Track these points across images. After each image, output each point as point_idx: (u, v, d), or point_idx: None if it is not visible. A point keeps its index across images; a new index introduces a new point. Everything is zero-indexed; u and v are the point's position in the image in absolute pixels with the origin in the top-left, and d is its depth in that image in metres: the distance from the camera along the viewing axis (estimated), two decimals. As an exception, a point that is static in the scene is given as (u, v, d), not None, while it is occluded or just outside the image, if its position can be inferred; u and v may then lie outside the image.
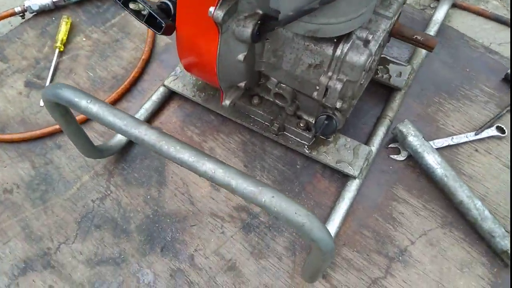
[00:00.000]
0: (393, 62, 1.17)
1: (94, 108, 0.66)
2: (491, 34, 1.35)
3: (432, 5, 1.42)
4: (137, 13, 0.84)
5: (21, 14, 1.28)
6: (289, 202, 0.59)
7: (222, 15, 0.74)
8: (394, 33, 0.92)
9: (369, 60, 0.80)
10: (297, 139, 1.04)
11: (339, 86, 0.83)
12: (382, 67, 1.17)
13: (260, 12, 0.79)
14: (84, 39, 1.26)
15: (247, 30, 0.78)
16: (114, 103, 1.14)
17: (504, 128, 1.10)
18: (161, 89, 1.13)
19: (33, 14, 1.30)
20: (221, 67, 0.85)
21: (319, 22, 0.73)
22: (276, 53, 0.88)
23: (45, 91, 0.71)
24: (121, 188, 1.02)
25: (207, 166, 0.61)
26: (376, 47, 0.81)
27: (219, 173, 0.61)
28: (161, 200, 1.00)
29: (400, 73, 1.16)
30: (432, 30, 1.26)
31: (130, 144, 1.07)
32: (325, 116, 0.92)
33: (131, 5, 0.84)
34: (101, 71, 1.20)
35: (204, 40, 0.82)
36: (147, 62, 1.21)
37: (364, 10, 0.74)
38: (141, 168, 1.05)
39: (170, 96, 1.15)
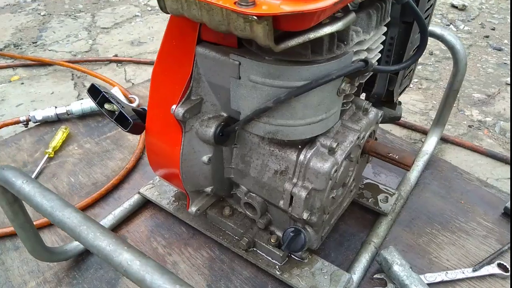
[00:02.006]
0: (379, 187, 1.12)
1: (27, 188, 0.63)
2: (487, 169, 1.31)
3: (423, 140, 1.42)
4: (110, 113, 0.87)
5: (25, 123, 1.36)
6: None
7: (182, 112, 0.75)
8: (368, 150, 0.90)
9: (334, 168, 0.76)
10: (268, 257, 0.94)
11: (303, 193, 0.77)
12: (367, 191, 1.12)
13: (224, 114, 0.80)
14: (76, 148, 1.30)
15: (210, 130, 0.78)
16: (86, 208, 1.10)
17: (507, 266, 0.97)
18: (136, 196, 1.10)
19: (36, 124, 1.38)
20: (185, 167, 0.83)
21: (277, 123, 0.72)
22: (244, 158, 0.86)
23: (-9, 172, 0.69)
24: (65, 299, 0.91)
25: (124, 257, 0.53)
26: (343, 156, 0.78)
27: (135, 265, 0.53)
28: (105, 317, 0.88)
29: (387, 198, 1.10)
30: (421, 160, 1.24)
31: (89, 251, 1.00)
32: (292, 228, 0.84)
33: (106, 106, 0.87)
34: (83, 177, 1.20)
35: (169, 140, 0.82)
36: (130, 172, 1.21)
37: (324, 116, 0.73)
38: (93, 278, 0.95)
39: (145, 204, 1.11)
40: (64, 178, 1.20)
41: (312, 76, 0.66)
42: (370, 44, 0.74)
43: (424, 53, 1.90)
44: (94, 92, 0.88)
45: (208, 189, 0.89)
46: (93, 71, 1.73)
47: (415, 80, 1.75)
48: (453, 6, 2.33)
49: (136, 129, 0.86)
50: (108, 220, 1.04)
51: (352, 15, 0.63)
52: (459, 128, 1.50)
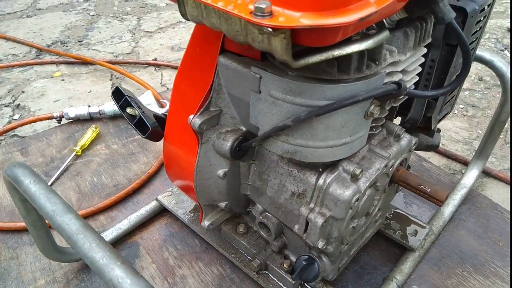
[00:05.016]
0: (409, 220, 1.04)
1: (34, 188, 0.62)
2: (533, 210, 1.19)
3: (463, 171, 1.32)
4: (131, 117, 0.86)
5: (58, 119, 1.39)
6: None
7: (199, 122, 0.72)
8: (397, 180, 0.83)
9: (356, 196, 0.70)
10: (279, 283, 0.89)
11: (320, 220, 0.72)
12: (395, 222, 1.04)
13: (243, 129, 0.76)
14: (103, 148, 1.31)
15: (226, 143, 0.74)
16: (104, 209, 1.10)
17: (548, 324, 0.86)
18: (153, 203, 1.08)
19: (69, 120, 1.41)
20: (199, 180, 0.80)
21: (296, 143, 0.67)
22: (261, 176, 0.82)
23: (4, 169, 0.69)
24: (71, 301, 0.90)
25: (115, 273, 0.50)
26: (367, 185, 0.72)
27: (125, 284, 0.49)
28: (106, 325, 0.85)
29: (416, 232, 1.01)
30: (458, 194, 1.14)
31: (101, 254, 0.98)
32: (306, 256, 0.78)
33: (128, 110, 0.86)
34: (106, 178, 1.20)
35: (186, 150, 0.80)
36: (151, 177, 1.20)
37: (348, 139, 0.67)
38: (101, 283, 0.93)
39: (161, 212, 1.09)
40: (87, 177, 1.21)
41: (337, 96, 0.61)
42: (406, 65, 0.68)
43: (473, 79, 1.79)
44: (118, 94, 0.87)
45: (222, 205, 0.85)
46: (131, 73, 1.75)
47: (461, 106, 1.64)
48: (510, 30, 2.18)
49: (154, 136, 0.84)
50: (123, 224, 1.02)
51: (386, 33, 0.58)
52: (504, 162, 1.38)
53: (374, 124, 0.74)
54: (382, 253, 1.01)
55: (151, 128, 0.82)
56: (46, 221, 0.83)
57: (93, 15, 2.39)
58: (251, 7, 0.46)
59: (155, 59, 1.93)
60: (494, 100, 1.68)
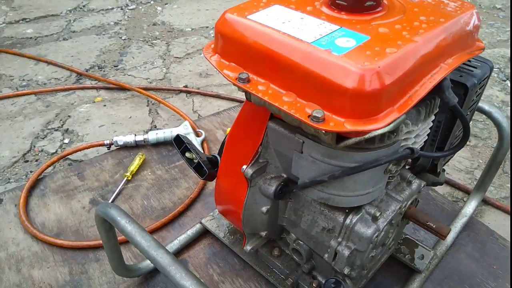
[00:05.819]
0: (417, 244, 1.22)
1: (129, 227, 0.80)
2: (525, 237, 1.36)
3: (465, 199, 1.49)
4: (189, 161, 1.05)
5: (108, 146, 1.59)
6: None
7: (251, 172, 0.90)
8: (408, 216, 1.01)
9: (376, 234, 0.89)
10: (308, 299, 1.07)
11: (346, 252, 0.90)
12: (405, 247, 1.22)
13: (284, 175, 0.95)
14: (149, 173, 1.50)
15: (271, 188, 0.93)
16: (155, 230, 1.29)
17: (532, 338, 1.04)
18: (198, 226, 1.27)
19: (117, 147, 1.60)
20: (246, 215, 0.99)
21: (329, 192, 0.86)
22: (296, 212, 1.00)
23: (97, 207, 0.88)
24: (133, 312, 1.09)
25: (203, 296, 0.69)
26: (385, 224, 0.90)
27: (211, 304, 0.68)
28: (166, 331, 1.04)
29: (423, 256, 1.19)
30: (459, 222, 1.32)
31: (156, 270, 1.17)
32: (333, 279, 0.97)
33: (187, 154, 1.05)
34: (154, 201, 1.39)
35: (236, 190, 0.98)
36: (193, 201, 1.38)
37: (371, 190, 0.86)
38: (158, 294, 1.12)
39: (204, 233, 1.27)
40: (138, 201, 1.40)
41: (364, 160, 0.79)
42: (418, 132, 0.86)
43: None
44: (179, 142, 1.06)
45: (263, 234, 1.04)
46: (165, 99, 1.94)
47: (464, 136, 1.81)
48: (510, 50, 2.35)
49: (209, 177, 1.02)
50: (174, 244, 1.21)
51: (403, 117, 0.76)
52: (501, 190, 1.55)
53: (391, 175, 0.93)
54: (393, 273, 1.19)
55: (208, 171, 1.00)
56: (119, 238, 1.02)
57: (124, 39, 2.59)
58: (308, 110, 0.65)
59: (186, 86, 2.12)
60: (494, 130, 1.85)
